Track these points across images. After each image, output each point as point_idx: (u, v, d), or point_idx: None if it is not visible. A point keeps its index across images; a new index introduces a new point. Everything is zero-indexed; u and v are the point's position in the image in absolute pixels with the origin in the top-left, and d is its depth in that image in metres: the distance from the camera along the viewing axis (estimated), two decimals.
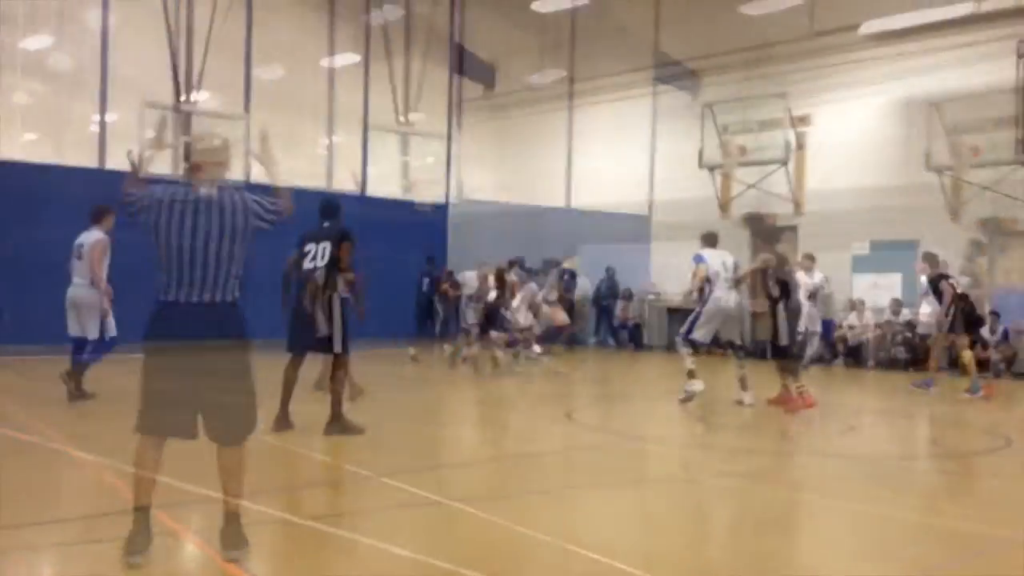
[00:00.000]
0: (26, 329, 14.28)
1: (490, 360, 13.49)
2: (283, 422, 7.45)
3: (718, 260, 9.99)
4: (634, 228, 19.27)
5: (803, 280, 15.15)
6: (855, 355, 15.69)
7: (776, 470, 7.22)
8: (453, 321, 21.86)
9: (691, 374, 9.85)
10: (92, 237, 8.95)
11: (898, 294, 15.67)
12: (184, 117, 16.93)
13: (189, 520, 4.84)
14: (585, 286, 19.65)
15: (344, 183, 19.92)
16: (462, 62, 22.40)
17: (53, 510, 5.15)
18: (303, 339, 7.48)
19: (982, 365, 12.72)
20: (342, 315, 7.37)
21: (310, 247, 7.47)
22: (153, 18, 17.23)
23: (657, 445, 8.20)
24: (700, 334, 9.99)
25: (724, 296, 9.87)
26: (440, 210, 21.94)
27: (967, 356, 11.51)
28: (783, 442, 8.59)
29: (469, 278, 14.63)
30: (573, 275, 18.47)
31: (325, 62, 20.55)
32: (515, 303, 14.30)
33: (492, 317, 14.12)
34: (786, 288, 10.07)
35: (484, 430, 8.92)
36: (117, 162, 15.80)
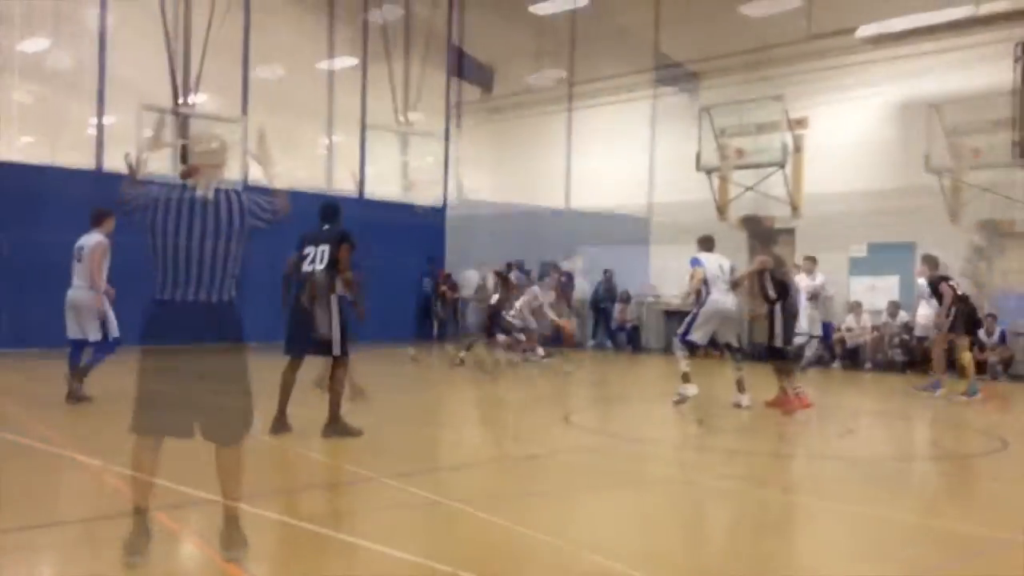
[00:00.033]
0: (24, 331, 14.29)
1: (493, 362, 13.50)
2: (281, 424, 7.45)
3: (715, 263, 10.03)
4: (634, 230, 19.29)
5: (804, 282, 15.22)
6: (852, 357, 15.70)
7: (774, 472, 7.23)
8: (451, 322, 21.94)
9: (685, 377, 9.89)
10: (92, 240, 8.95)
11: (895, 296, 15.69)
12: (181, 119, 16.93)
13: (189, 521, 4.84)
14: (583, 288, 19.68)
15: (343, 184, 19.93)
16: (461, 65, 22.43)
17: (52, 512, 5.14)
18: (301, 341, 7.47)
19: (979, 367, 12.74)
20: (341, 317, 7.37)
21: (309, 249, 7.48)
22: (151, 20, 17.23)
23: (655, 447, 8.20)
24: (697, 336, 10.01)
25: (721, 298, 9.89)
26: (438, 212, 21.97)
27: (967, 359, 11.54)
28: (781, 444, 8.60)
29: (470, 278, 14.61)
30: (571, 277, 18.50)
31: (322, 64, 20.56)
32: (517, 305, 14.31)
33: (495, 319, 14.14)
34: (784, 290, 10.09)
35: (482, 432, 8.92)
36: (114, 164, 15.82)
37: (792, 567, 4.60)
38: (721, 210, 18.09)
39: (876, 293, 15.97)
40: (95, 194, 14.24)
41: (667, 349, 15.61)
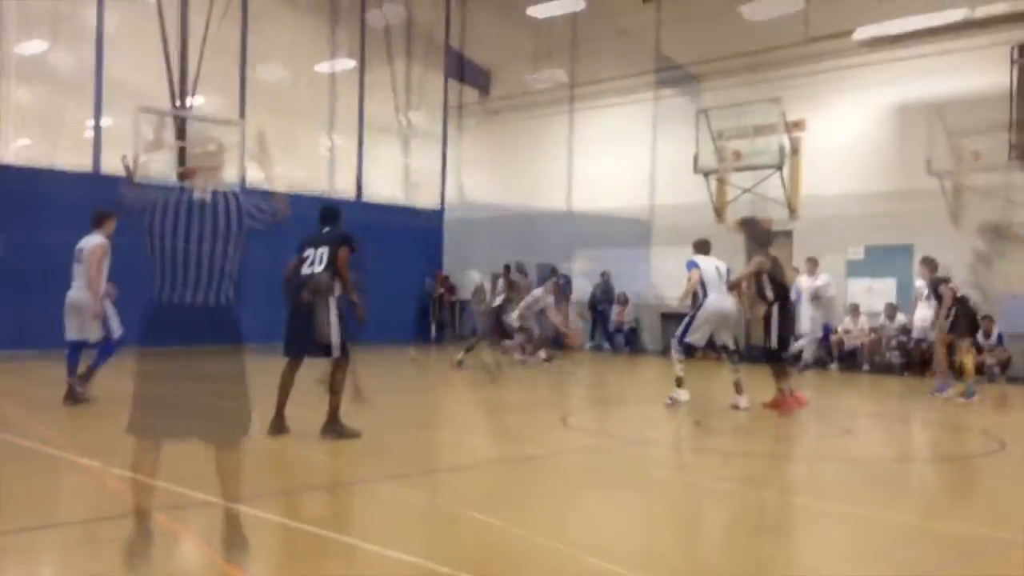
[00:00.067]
0: (23, 332, 14.26)
1: (495, 364, 13.52)
2: (279, 425, 7.45)
3: (711, 266, 10.07)
4: (635, 232, 19.29)
5: (806, 283, 15.25)
6: (850, 359, 15.71)
7: (772, 473, 7.23)
8: (449, 323, 21.97)
9: (679, 382, 9.93)
10: (92, 241, 8.95)
11: (893, 299, 15.71)
12: (179, 121, 16.93)
13: (189, 522, 4.83)
14: (584, 288, 19.65)
15: (343, 186, 19.95)
16: (458, 67, 22.44)
17: (52, 513, 5.14)
18: (300, 343, 7.48)
19: (977, 369, 12.74)
20: (340, 319, 7.37)
21: (309, 252, 7.48)
22: (148, 22, 17.24)
23: (653, 449, 8.20)
24: (695, 338, 10.04)
25: (718, 301, 9.91)
26: (436, 214, 21.99)
27: (968, 360, 11.58)
28: (779, 445, 8.60)
29: (472, 279, 14.62)
30: (568, 279, 18.50)
31: (320, 66, 20.57)
32: (520, 308, 14.34)
33: (501, 322, 14.17)
34: (781, 291, 10.11)
35: (481, 433, 8.91)
36: (112, 166, 15.82)
37: (791, 568, 4.60)
38: (719, 212, 18.11)
39: (873, 295, 15.99)
40: (93, 196, 14.26)
41: (665, 351, 15.61)
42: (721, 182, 18.10)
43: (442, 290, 21.74)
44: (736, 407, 9.86)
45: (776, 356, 10.07)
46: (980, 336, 13.52)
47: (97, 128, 16.59)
